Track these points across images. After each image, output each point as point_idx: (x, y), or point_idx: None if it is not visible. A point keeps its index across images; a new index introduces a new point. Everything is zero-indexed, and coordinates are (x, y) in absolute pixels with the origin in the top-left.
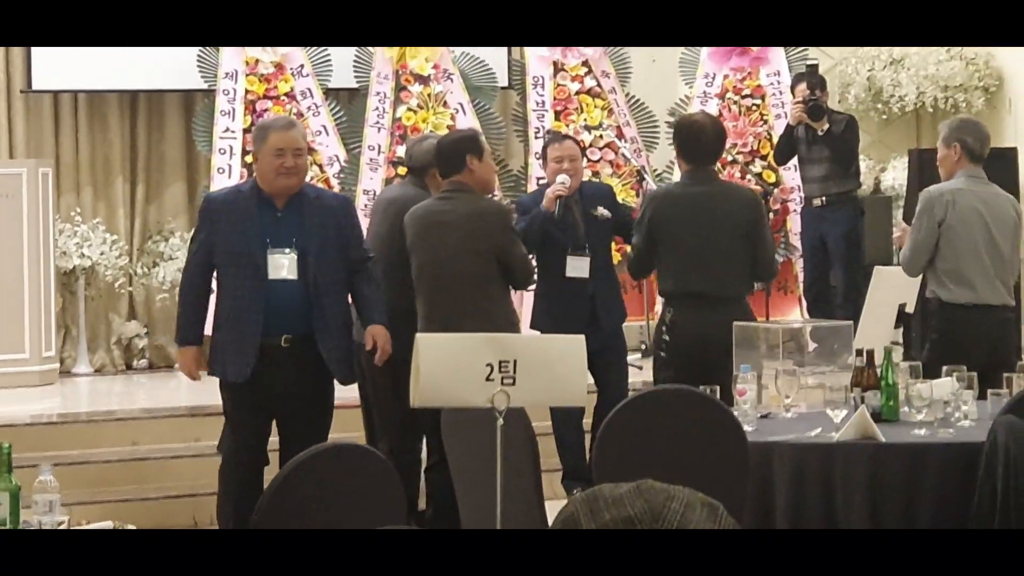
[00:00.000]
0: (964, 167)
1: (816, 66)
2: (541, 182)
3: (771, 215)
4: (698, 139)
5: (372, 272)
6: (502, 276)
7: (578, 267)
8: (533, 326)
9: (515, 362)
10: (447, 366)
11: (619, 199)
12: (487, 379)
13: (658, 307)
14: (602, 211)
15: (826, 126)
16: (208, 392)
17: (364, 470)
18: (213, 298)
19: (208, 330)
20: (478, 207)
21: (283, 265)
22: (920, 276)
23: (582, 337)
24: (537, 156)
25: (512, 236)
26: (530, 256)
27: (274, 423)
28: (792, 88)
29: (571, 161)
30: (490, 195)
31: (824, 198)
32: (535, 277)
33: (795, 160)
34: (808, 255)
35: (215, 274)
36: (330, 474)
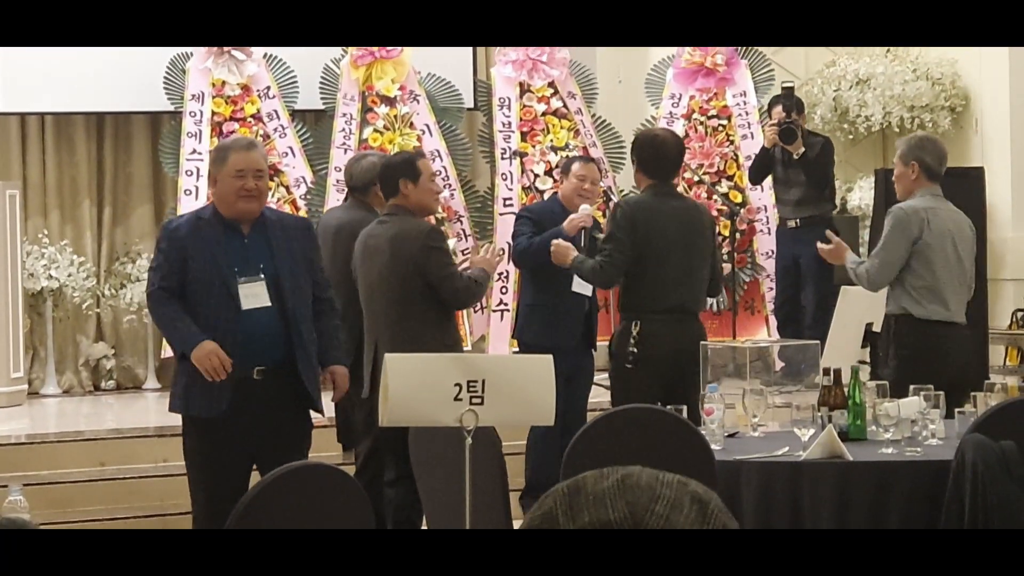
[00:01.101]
0: (923, 185)
1: (792, 88)
2: (508, 204)
3: (738, 235)
4: (662, 154)
5: (334, 302)
6: (433, 296)
7: (584, 284)
8: (518, 337)
9: (483, 381)
10: (416, 385)
11: None
12: (455, 398)
13: None
14: (599, 236)
15: (801, 150)
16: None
17: (332, 490)
18: None
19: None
20: (401, 230)
21: (256, 293)
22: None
23: (550, 357)
24: (504, 177)
25: (435, 257)
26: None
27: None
28: (769, 110)
29: (592, 183)
30: (429, 216)
31: (798, 220)
32: (470, 299)
33: (767, 178)
34: (780, 275)
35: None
36: (298, 494)
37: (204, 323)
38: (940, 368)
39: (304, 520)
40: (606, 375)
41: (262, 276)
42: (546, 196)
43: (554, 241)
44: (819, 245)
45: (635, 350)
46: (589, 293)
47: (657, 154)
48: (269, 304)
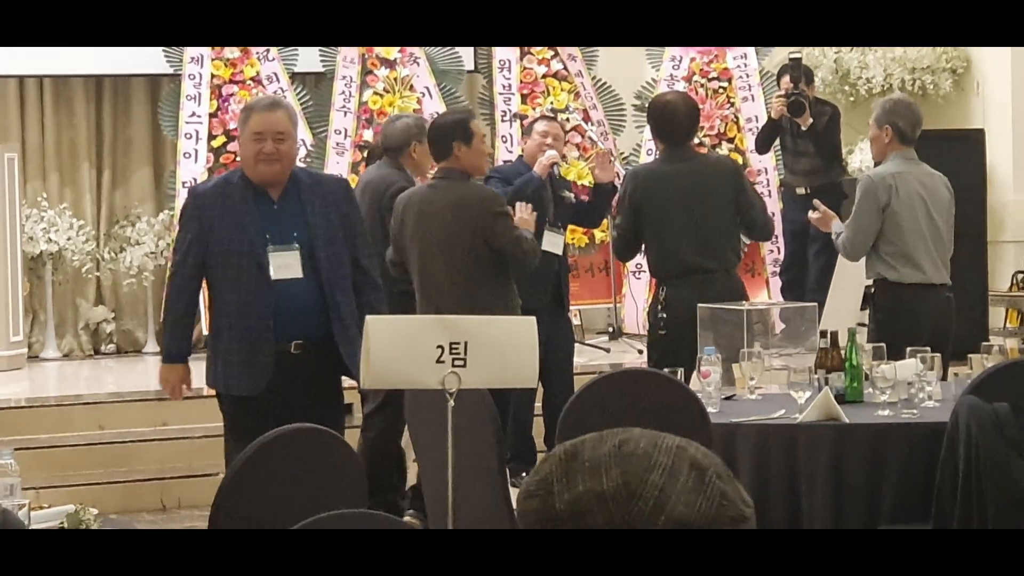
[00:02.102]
0: (896, 149)
1: (799, 59)
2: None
3: None
4: (673, 119)
5: (373, 273)
6: (495, 261)
7: (554, 242)
8: None
9: (466, 344)
10: (397, 348)
11: (583, 183)
12: (438, 360)
13: (626, 289)
14: (569, 195)
15: (809, 121)
16: None
17: (325, 452)
18: (203, 304)
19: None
20: (461, 196)
21: (288, 264)
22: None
23: (533, 319)
24: (503, 139)
25: (499, 222)
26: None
27: None
28: (778, 80)
29: (555, 139)
30: (478, 178)
31: (808, 187)
32: (535, 260)
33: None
34: (788, 239)
35: (207, 278)
36: (291, 456)
37: (234, 296)
38: (915, 330)
39: (297, 481)
40: (604, 339)
41: (296, 245)
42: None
43: None
44: (810, 214)
45: (664, 315)
46: (559, 252)
47: (668, 121)
48: (301, 276)
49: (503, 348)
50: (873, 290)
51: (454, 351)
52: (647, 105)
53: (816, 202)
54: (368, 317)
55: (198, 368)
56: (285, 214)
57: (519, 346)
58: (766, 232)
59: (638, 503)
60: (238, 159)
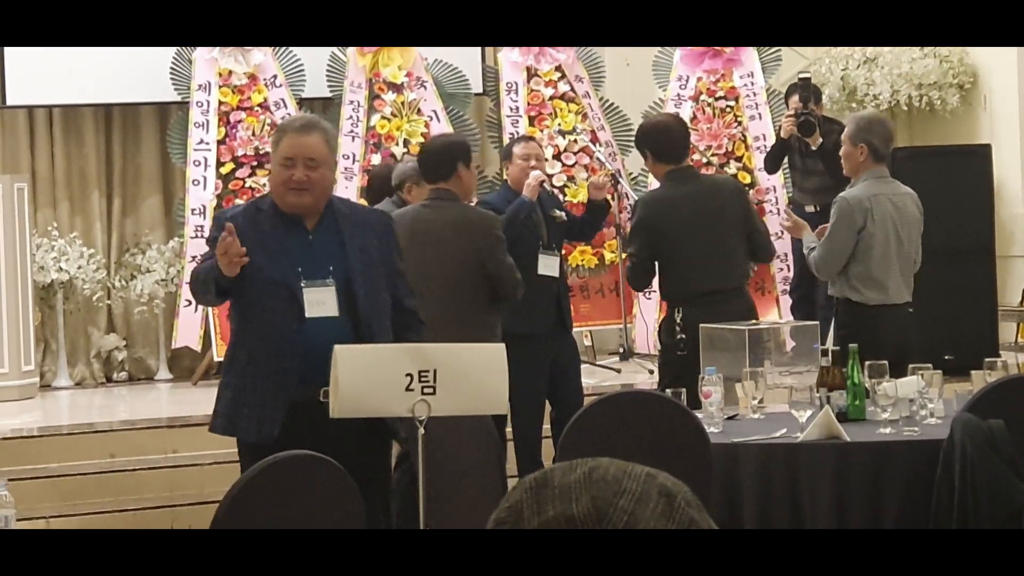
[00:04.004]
0: (869, 167)
1: (809, 78)
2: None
3: None
4: (668, 137)
5: (419, 315)
6: (486, 288)
7: (550, 265)
8: None
9: (435, 371)
10: (366, 377)
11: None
12: (407, 388)
13: (636, 309)
14: (559, 214)
15: (819, 141)
16: (187, 403)
17: (321, 481)
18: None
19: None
20: (463, 215)
21: (323, 300)
22: None
23: (502, 346)
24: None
25: (499, 245)
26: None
27: None
28: (786, 99)
29: (537, 160)
30: (470, 202)
31: (817, 205)
32: (521, 289)
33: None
34: (797, 257)
35: (231, 309)
36: (287, 485)
37: (259, 330)
38: (878, 348)
39: (292, 510)
40: (615, 359)
41: (331, 280)
42: (555, 179)
43: None
44: (781, 221)
45: (683, 336)
46: (556, 274)
47: (664, 140)
48: (337, 314)
49: (473, 375)
50: (836, 309)
51: (423, 379)
52: (636, 134)
53: (788, 211)
54: (336, 347)
55: (208, 395)
56: (320, 246)
57: (489, 373)
58: (768, 253)
59: (608, 527)
60: (248, 185)
